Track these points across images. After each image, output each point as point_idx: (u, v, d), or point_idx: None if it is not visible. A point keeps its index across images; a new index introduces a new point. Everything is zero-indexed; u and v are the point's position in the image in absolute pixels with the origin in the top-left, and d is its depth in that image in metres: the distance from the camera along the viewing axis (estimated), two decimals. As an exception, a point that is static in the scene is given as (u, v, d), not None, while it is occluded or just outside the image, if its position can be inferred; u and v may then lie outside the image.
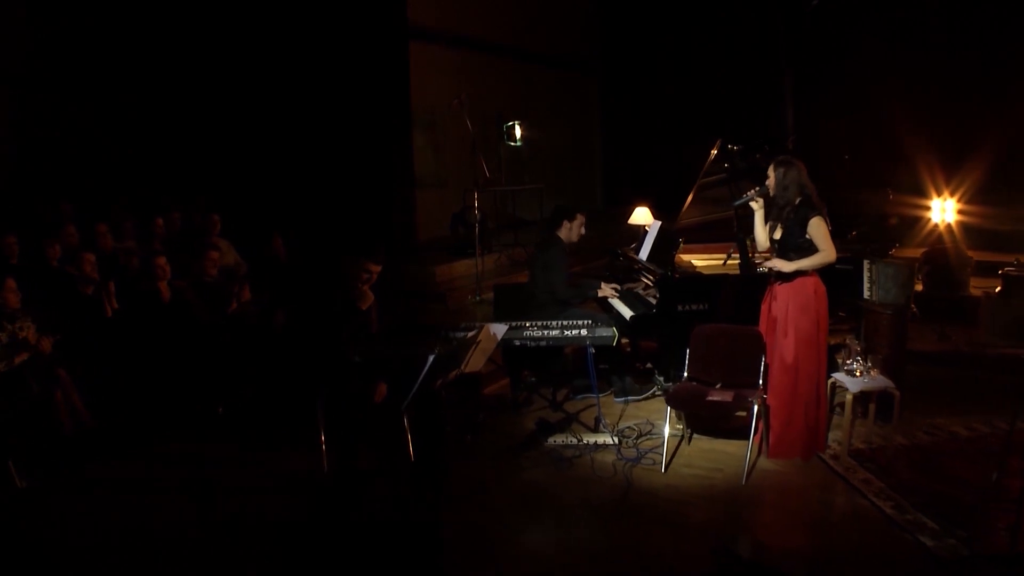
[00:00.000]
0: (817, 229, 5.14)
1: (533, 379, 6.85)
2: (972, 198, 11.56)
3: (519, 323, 5.57)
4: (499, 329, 4.52)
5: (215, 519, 4.71)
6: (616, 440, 5.66)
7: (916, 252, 9.82)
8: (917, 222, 11.79)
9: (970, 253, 9.24)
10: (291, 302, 6.23)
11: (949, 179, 11.77)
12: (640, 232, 7.26)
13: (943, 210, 11.71)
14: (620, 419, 6.18)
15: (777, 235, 5.33)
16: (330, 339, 5.08)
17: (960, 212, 11.63)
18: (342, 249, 8.20)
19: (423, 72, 11.33)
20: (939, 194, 11.83)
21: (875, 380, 5.35)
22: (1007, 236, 11.05)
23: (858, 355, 5.37)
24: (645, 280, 6.42)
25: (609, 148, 14.98)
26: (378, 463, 5.33)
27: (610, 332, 5.57)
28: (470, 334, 4.22)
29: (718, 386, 5.28)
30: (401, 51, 11.14)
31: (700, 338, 5.40)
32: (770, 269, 5.24)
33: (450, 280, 10.05)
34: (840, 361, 5.57)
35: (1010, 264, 7.84)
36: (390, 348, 5.14)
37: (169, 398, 5.92)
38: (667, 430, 5.31)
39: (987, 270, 9.33)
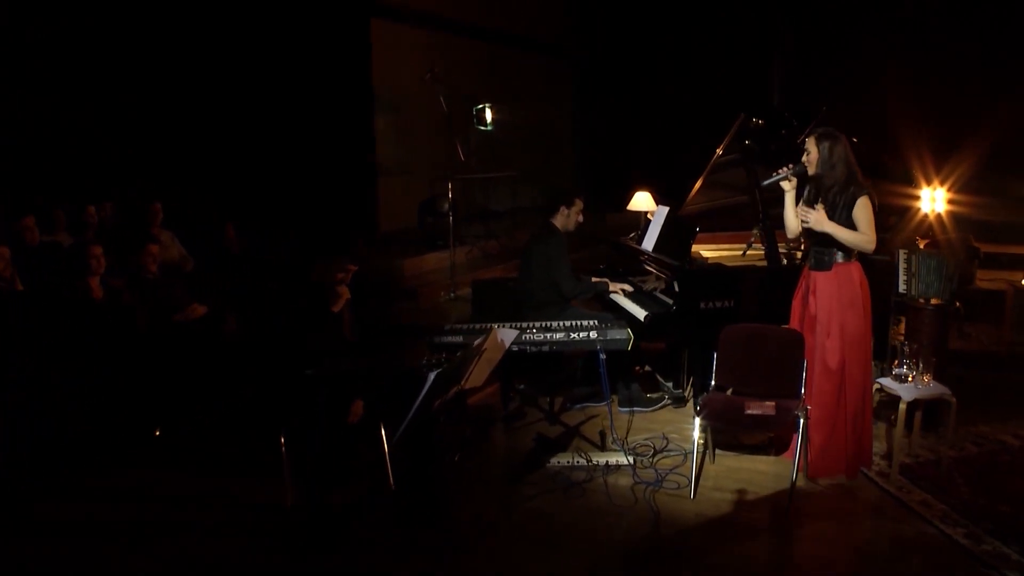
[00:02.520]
0: (864, 211, 4.45)
1: (521, 386, 6.05)
2: (963, 187, 11.09)
3: (525, 325, 4.77)
4: (508, 336, 3.73)
5: (157, 569, 3.83)
6: (631, 460, 4.88)
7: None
8: (907, 212, 11.29)
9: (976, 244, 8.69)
10: (245, 304, 5.32)
11: (939, 168, 11.27)
12: (642, 220, 6.48)
13: (933, 199, 11.19)
14: (628, 433, 5.40)
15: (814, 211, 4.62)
16: (295, 349, 4.21)
17: (950, 202, 11.14)
18: (300, 242, 7.34)
19: (386, 51, 10.49)
20: (929, 183, 11.31)
21: (929, 387, 4.65)
22: (997, 226, 10.62)
23: (911, 358, 4.66)
24: (655, 274, 5.64)
25: (582, 136, 14.20)
26: (354, 496, 4.47)
27: (624, 334, 4.79)
28: (476, 342, 3.40)
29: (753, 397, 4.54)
30: (362, 28, 10.30)
31: (731, 341, 4.65)
32: (802, 219, 4.52)
33: (420, 275, 9.25)
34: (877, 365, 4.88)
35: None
36: (371, 359, 4.31)
37: (101, 419, 4.97)
38: (696, 449, 4.55)
39: (988, 262, 8.87)
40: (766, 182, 4.73)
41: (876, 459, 4.87)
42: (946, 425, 5.25)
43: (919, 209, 11.20)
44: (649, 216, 6.38)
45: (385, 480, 4.43)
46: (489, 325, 4.94)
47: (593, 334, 4.79)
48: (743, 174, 5.78)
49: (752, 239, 5.61)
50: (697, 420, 4.48)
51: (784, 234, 5.25)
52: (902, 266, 5.54)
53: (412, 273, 9.17)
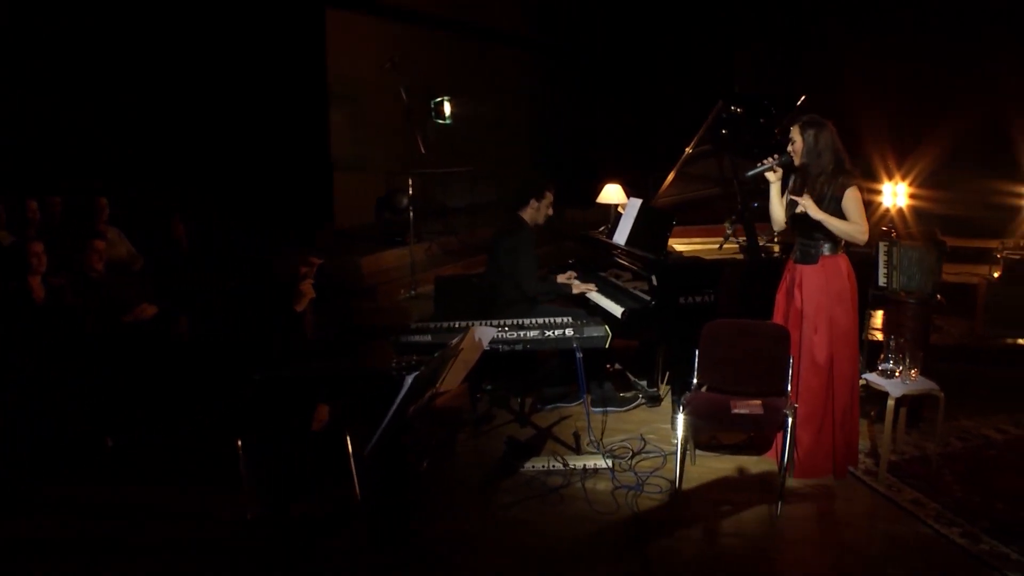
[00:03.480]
0: (854, 200, 4.28)
1: (489, 387, 5.79)
2: (924, 182, 11.08)
3: (498, 323, 4.52)
4: (486, 334, 3.46)
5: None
6: (609, 463, 4.65)
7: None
8: (868, 207, 11.25)
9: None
10: (198, 303, 4.97)
11: (901, 162, 11.26)
12: (612, 214, 6.26)
13: (895, 194, 11.20)
14: (604, 434, 5.17)
15: (800, 210, 4.44)
16: (254, 351, 3.88)
17: (912, 196, 11.14)
18: (255, 239, 6.97)
19: (341, 42, 10.14)
20: (890, 178, 11.30)
21: (917, 382, 4.50)
22: (958, 220, 10.61)
23: (898, 352, 4.50)
24: (629, 269, 5.42)
25: (541, 130, 13.94)
26: (319, 508, 4.17)
27: (602, 331, 4.56)
28: (453, 341, 3.13)
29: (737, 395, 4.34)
30: (317, 19, 9.93)
31: (713, 337, 4.43)
32: (795, 207, 4.33)
33: (378, 272, 8.95)
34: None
35: (997, 248, 7.24)
36: (336, 362, 4.01)
37: (45, 430, 4.59)
38: (679, 450, 4.33)
39: (951, 256, 8.83)
40: (751, 172, 4.53)
41: (861, 457, 4.71)
42: (928, 420, 5.17)
43: (880, 203, 11.22)
44: (620, 209, 6.16)
45: (351, 491, 4.13)
46: (459, 323, 4.68)
47: (569, 331, 4.55)
48: (718, 165, 5.60)
49: (728, 232, 5.41)
50: (680, 420, 4.26)
51: (762, 227, 5.09)
52: (882, 259, 5.41)
53: (370, 271, 8.87)
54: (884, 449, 4.48)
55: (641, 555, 3.80)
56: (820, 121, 4.34)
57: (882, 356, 4.56)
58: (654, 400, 5.70)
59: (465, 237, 10.41)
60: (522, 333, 4.52)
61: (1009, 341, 6.69)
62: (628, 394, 5.74)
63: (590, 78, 13.39)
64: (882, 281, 5.42)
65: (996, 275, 6.86)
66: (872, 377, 4.56)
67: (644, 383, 5.85)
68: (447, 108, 10.25)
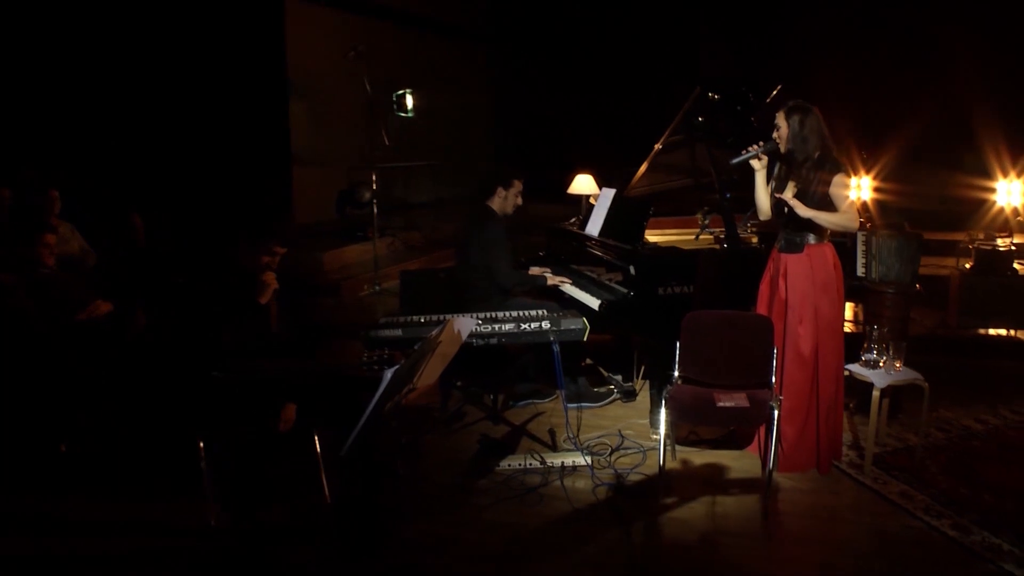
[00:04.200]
0: (842, 188, 4.17)
1: (459, 384, 5.60)
2: (888, 176, 11.12)
3: (473, 315, 4.32)
4: (465, 325, 3.27)
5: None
6: (588, 460, 4.49)
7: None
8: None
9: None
10: (155, 299, 4.70)
11: (865, 156, 11.28)
12: (583, 204, 6.10)
13: (859, 187, 11.21)
14: (579, 430, 5.01)
15: (788, 196, 4.32)
16: (215, 348, 3.65)
17: (876, 190, 11.17)
18: (213, 233, 6.68)
19: (301, 34, 9.88)
20: (856, 172, 11.32)
21: (901, 372, 4.40)
22: (921, 214, 10.65)
23: (882, 343, 4.40)
24: (605, 260, 5.26)
25: (502, 123, 13.75)
26: (287, 514, 3.95)
27: (580, 324, 4.40)
28: (432, 333, 2.94)
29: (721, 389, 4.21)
30: (276, 10, 9.66)
31: (695, 329, 4.29)
32: (782, 204, 4.20)
33: (340, 268, 8.72)
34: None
35: (965, 240, 7.24)
36: (303, 358, 3.79)
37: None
38: (662, 447, 4.18)
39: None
40: (735, 161, 4.39)
41: (843, 450, 4.61)
42: (907, 412, 5.11)
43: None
44: (592, 200, 6.00)
45: (321, 495, 3.93)
46: (431, 317, 4.49)
47: (546, 324, 4.38)
48: (692, 155, 5.46)
49: (705, 223, 5.27)
50: (663, 415, 4.11)
51: (737, 218, 4.97)
52: (860, 248, 5.32)
53: (332, 267, 8.65)
54: (869, 441, 4.39)
55: (628, 557, 3.65)
56: (806, 106, 4.22)
57: (865, 346, 4.46)
58: (629, 395, 5.56)
59: (428, 233, 10.22)
60: (497, 327, 4.34)
61: (981, 332, 6.67)
62: (602, 389, 5.59)
63: (553, 68, 13.21)
64: (860, 271, 5.33)
65: (968, 266, 6.83)
66: (856, 368, 4.45)
67: (619, 378, 5.71)
68: (409, 101, 9.99)
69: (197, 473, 3.75)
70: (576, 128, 12.55)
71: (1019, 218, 8.15)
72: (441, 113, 11.67)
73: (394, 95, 10.10)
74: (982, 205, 8.96)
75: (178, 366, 3.78)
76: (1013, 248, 6.73)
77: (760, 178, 4.41)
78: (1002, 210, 8.64)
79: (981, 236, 7.19)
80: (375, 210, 8.09)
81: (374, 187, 8.22)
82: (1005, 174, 8.85)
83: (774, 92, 5.04)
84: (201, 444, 3.70)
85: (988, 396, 5.57)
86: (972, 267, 6.73)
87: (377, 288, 7.92)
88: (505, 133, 13.65)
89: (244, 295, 3.66)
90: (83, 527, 3.87)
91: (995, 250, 6.60)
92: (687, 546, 3.71)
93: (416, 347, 2.93)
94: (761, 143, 4.31)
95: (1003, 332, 6.64)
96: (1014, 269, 6.62)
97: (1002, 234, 7.23)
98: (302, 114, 9.96)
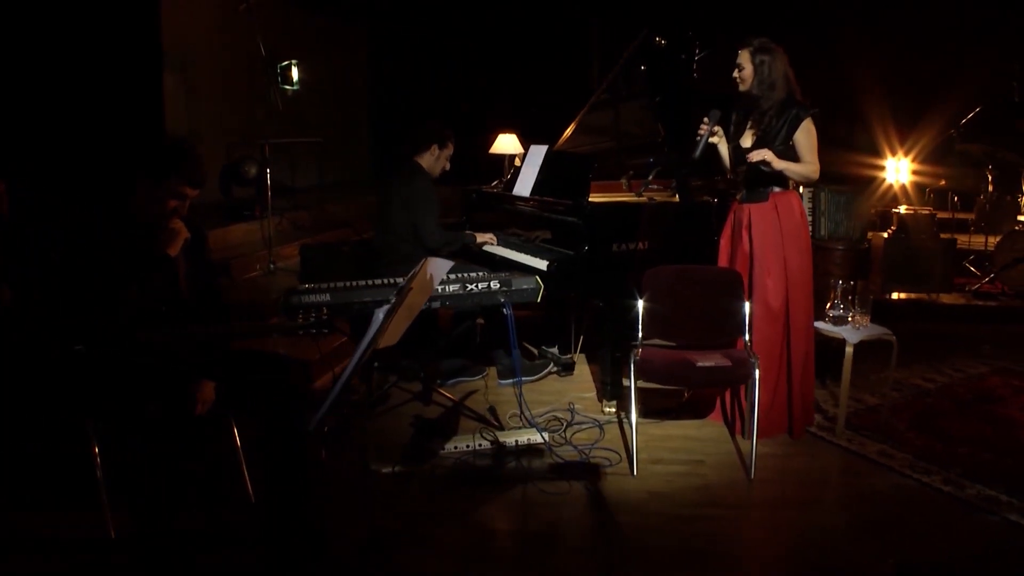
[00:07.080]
0: (808, 135, 3.87)
1: (376, 364, 5.02)
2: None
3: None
4: (439, 268, 2.73)
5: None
6: (546, 437, 4.03)
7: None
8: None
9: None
10: (22, 269, 3.90)
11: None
12: (506, 166, 5.63)
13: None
14: (522, 407, 4.52)
15: (748, 143, 3.99)
16: (107, 312, 2.95)
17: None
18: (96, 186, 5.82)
19: (176, 3, 8.99)
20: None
21: (870, 328, 4.15)
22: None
23: (849, 297, 4.13)
24: (541, 220, 4.80)
25: (378, 106, 13.08)
26: (202, 516, 3.29)
27: (533, 283, 3.91)
28: (406, 278, 2.40)
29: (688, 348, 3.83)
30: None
31: (656, 286, 3.89)
32: (751, 161, 3.84)
33: (227, 248, 7.94)
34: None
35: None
36: (221, 325, 3.15)
37: None
38: (635, 416, 3.75)
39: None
40: (696, 153, 3.96)
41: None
42: (861, 373, 4.86)
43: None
44: (517, 161, 5.54)
45: (243, 492, 3.31)
46: (358, 282, 3.92)
47: (495, 284, 3.87)
48: (618, 115, 5.06)
49: (648, 182, 4.83)
50: (633, 383, 3.70)
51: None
52: (807, 204, 5.07)
53: (219, 246, 7.83)
54: (843, 402, 4.12)
55: (615, 539, 3.20)
56: (772, 47, 3.88)
57: (832, 301, 4.18)
58: (567, 368, 5.14)
59: (316, 212, 9.54)
60: (441, 287, 3.81)
61: (904, 296, 6.59)
62: (537, 362, 5.15)
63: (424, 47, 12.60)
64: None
65: (889, 232, 6.73)
66: (823, 325, 4.17)
67: (554, 350, 5.27)
68: (295, 73, 9.23)
69: (90, 473, 3.05)
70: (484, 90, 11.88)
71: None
72: (322, 89, 10.97)
73: (278, 66, 9.33)
74: (871, 183, 8.99)
75: (56, 340, 3.04)
76: (934, 213, 6.69)
77: (723, 148, 4.08)
78: (891, 187, 8.74)
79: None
80: (268, 185, 7.34)
81: (265, 158, 7.48)
82: (893, 152, 8.95)
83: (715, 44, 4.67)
84: (92, 438, 3.00)
85: (925, 357, 5.45)
86: (892, 234, 6.63)
87: (272, 268, 7.22)
88: (381, 111, 12.99)
89: (144, 246, 2.97)
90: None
91: (915, 214, 6.52)
92: (674, 522, 3.30)
93: (399, 289, 2.39)
94: (707, 120, 3.93)
95: (924, 296, 6.58)
96: (934, 233, 6.57)
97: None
98: (177, 88, 9.07)
